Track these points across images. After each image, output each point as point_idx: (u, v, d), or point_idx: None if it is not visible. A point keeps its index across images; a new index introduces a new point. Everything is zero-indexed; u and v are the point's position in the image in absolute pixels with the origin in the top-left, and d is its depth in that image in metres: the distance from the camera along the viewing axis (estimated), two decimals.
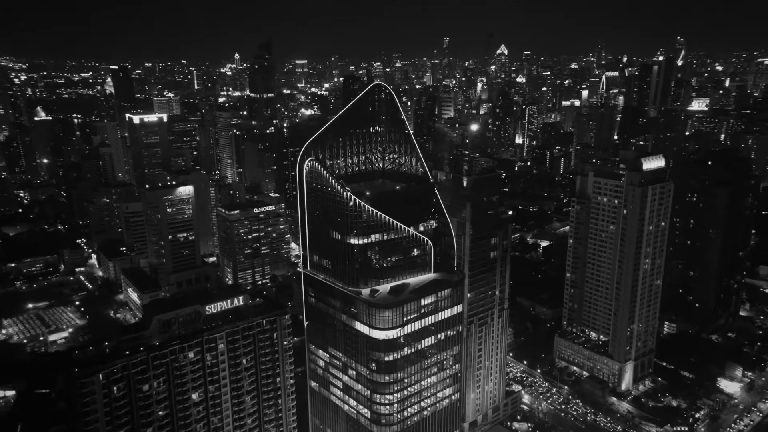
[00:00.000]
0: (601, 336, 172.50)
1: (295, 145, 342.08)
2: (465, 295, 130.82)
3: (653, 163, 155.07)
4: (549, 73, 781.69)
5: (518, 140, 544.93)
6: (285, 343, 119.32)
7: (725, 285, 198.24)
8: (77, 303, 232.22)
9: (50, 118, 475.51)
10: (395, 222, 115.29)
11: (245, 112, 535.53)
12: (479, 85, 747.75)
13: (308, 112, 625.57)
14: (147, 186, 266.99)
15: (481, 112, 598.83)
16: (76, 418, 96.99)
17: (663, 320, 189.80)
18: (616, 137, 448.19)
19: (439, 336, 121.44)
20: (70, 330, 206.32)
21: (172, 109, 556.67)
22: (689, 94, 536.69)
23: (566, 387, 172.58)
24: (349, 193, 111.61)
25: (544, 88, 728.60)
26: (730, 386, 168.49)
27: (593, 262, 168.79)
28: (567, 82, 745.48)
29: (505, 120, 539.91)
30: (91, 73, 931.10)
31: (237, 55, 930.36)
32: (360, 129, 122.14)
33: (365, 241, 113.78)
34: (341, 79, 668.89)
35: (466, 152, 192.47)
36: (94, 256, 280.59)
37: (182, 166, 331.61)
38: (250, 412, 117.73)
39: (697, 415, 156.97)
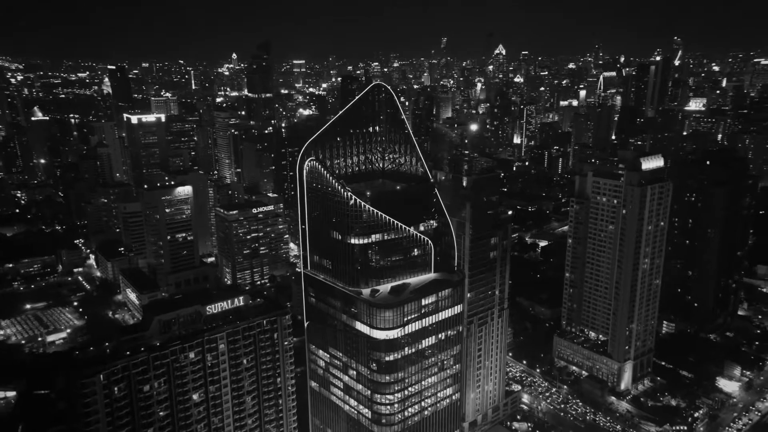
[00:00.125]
0: (600, 335, 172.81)
1: (293, 145, 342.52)
2: (465, 295, 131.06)
3: (652, 163, 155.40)
4: (547, 73, 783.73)
5: (516, 140, 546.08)
6: (285, 343, 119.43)
7: (723, 284, 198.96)
8: (75, 304, 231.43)
9: (47, 118, 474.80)
10: (395, 222, 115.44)
11: (243, 112, 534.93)
12: (478, 85, 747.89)
13: (306, 112, 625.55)
14: (145, 186, 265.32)
15: (480, 112, 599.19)
16: (77, 419, 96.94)
17: (662, 320, 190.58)
18: (613, 137, 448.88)
19: (439, 336, 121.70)
20: (69, 331, 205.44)
21: (170, 109, 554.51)
22: (686, 94, 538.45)
23: (565, 387, 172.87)
24: (349, 193, 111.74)
25: (542, 88, 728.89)
26: (729, 385, 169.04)
27: (592, 262, 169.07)
28: (565, 82, 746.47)
29: (503, 120, 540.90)
30: (88, 73, 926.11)
31: (234, 55, 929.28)
32: (360, 129, 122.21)
33: (366, 241, 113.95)
34: (339, 79, 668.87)
35: (466, 152, 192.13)
36: (92, 256, 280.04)
37: (180, 167, 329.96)
38: (251, 413, 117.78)
39: (696, 415, 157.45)
